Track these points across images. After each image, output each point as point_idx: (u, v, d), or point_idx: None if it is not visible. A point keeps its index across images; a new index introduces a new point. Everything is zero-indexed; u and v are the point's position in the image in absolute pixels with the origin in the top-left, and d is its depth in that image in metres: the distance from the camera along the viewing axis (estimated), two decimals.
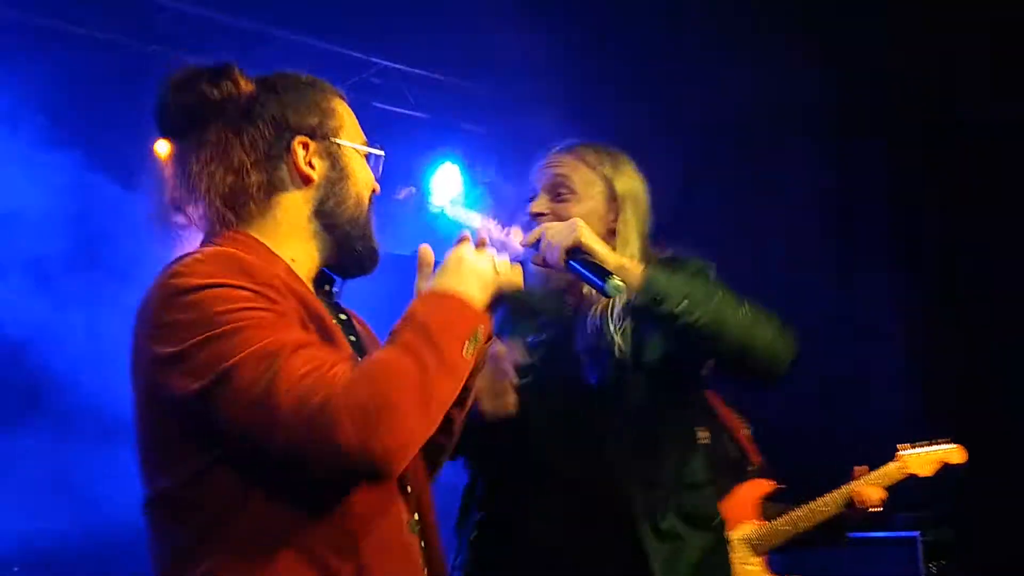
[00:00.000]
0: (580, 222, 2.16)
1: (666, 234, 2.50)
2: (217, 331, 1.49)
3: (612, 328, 2.32)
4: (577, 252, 2.11)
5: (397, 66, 5.87)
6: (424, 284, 1.75)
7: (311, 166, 1.74)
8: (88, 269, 4.75)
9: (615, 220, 2.40)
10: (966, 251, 5.42)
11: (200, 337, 1.49)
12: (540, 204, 2.40)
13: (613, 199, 2.41)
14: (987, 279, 5.28)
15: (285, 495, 1.53)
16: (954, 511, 4.93)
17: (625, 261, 2.18)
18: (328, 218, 1.75)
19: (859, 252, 5.73)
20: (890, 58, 5.36)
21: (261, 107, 1.73)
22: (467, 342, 1.59)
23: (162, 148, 1.93)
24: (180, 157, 1.74)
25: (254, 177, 1.70)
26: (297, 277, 1.71)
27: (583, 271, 2.06)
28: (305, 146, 1.73)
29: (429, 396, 1.51)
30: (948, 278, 5.49)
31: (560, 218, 2.30)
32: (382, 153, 1.84)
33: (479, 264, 1.71)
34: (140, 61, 5.04)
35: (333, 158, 1.76)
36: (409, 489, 1.73)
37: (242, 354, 1.47)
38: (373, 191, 1.83)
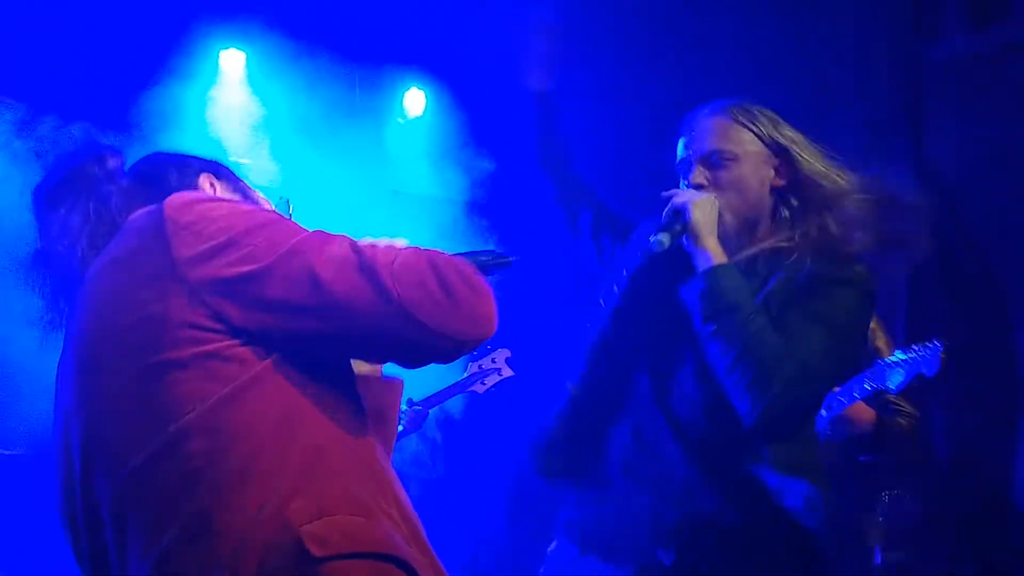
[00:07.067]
0: (713, 203, 2.29)
1: None
2: (259, 220, 1.57)
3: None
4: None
5: None
6: None
7: None
8: None
9: (778, 176, 2.35)
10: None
11: (243, 227, 1.54)
12: (698, 175, 2.36)
13: (775, 155, 2.34)
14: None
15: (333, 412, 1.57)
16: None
17: (712, 251, 2.26)
18: None
19: None
20: None
21: (151, 165, 1.83)
22: None
23: None
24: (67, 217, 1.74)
25: None
26: None
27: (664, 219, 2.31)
28: (212, 185, 1.82)
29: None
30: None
31: (720, 185, 2.33)
32: (287, 199, 1.97)
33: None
34: None
35: (242, 195, 1.85)
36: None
37: (301, 235, 1.55)
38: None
